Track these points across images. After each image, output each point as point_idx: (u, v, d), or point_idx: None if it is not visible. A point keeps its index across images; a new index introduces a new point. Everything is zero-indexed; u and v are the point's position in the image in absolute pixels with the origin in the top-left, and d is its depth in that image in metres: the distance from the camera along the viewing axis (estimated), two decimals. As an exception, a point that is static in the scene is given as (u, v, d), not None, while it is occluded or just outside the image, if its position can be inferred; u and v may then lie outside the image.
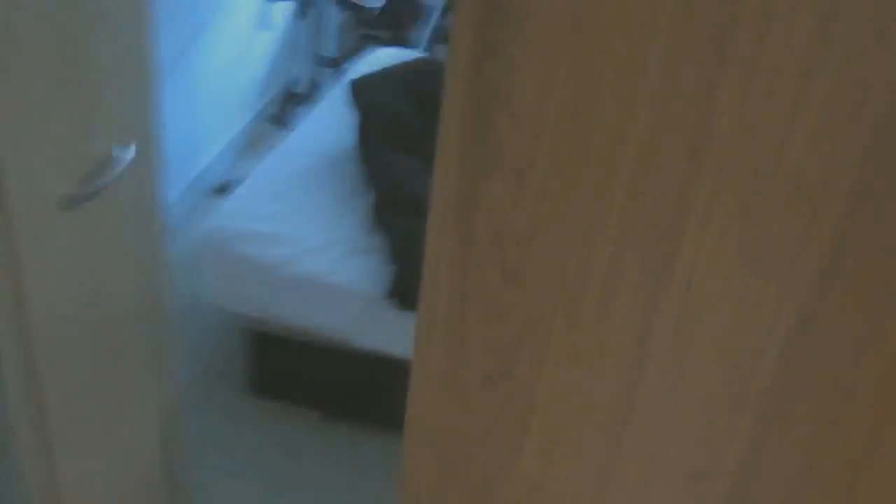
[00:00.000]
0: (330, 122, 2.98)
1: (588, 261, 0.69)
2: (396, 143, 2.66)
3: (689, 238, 0.66)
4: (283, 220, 2.46)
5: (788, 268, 0.65)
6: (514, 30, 0.62)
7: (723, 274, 0.66)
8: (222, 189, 3.47)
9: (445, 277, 0.74)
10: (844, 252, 0.63)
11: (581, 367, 0.74)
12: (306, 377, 2.59)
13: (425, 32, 4.29)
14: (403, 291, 2.26)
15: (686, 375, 0.72)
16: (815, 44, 0.57)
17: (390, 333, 2.32)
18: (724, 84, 0.60)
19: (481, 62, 0.64)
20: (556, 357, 0.74)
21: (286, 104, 4.14)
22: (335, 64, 4.20)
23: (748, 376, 0.70)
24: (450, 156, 0.68)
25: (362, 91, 2.81)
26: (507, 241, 0.70)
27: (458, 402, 0.80)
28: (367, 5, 3.68)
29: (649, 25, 0.59)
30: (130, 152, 1.40)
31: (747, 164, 0.62)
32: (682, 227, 0.65)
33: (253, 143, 3.88)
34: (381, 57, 3.44)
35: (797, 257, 0.64)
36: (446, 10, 4.41)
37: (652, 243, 0.67)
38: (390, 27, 4.38)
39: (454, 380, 0.79)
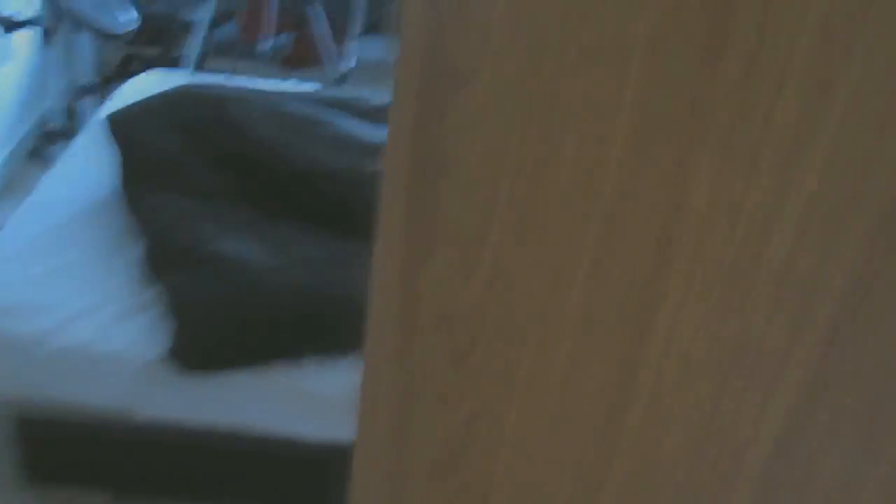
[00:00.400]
0: (89, 162, 2.69)
1: (547, 348, 0.64)
2: (165, 184, 2.42)
3: (659, 330, 0.61)
4: (40, 286, 2.18)
5: (773, 371, 0.59)
6: (461, 91, 0.57)
7: (698, 374, 0.61)
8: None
9: (388, 359, 0.69)
10: (836, 356, 0.57)
11: (539, 462, 0.70)
12: (91, 457, 2.33)
13: (194, 48, 4.02)
14: (186, 351, 2.04)
15: (658, 487, 0.66)
16: (807, 119, 0.51)
17: (178, 400, 2.10)
18: (699, 161, 0.54)
19: (425, 126, 0.59)
20: (511, 450, 0.70)
21: (44, 142, 3.78)
22: (96, 91, 3.87)
23: (732, 479, 0.64)
24: (391, 229, 0.64)
25: (121, 127, 2.56)
26: (455, 322, 0.65)
27: (402, 495, 0.75)
28: (116, 31, 3.38)
29: (616, 91, 0.54)
30: None
31: (726, 253, 0.56)
32: (652, 318, 0.60)
33: (12, 187, 3.52)
34: (145, 82, 3.17)
35: (783, 360, 0.58)
36: (215, 21, 4.16)
37: (618, 331, 0.62)
38: (154, 45, 4.09)
39: (399, 470, 0.74)
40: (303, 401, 2.07)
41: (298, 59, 4.52)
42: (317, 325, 2.05)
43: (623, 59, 0.52)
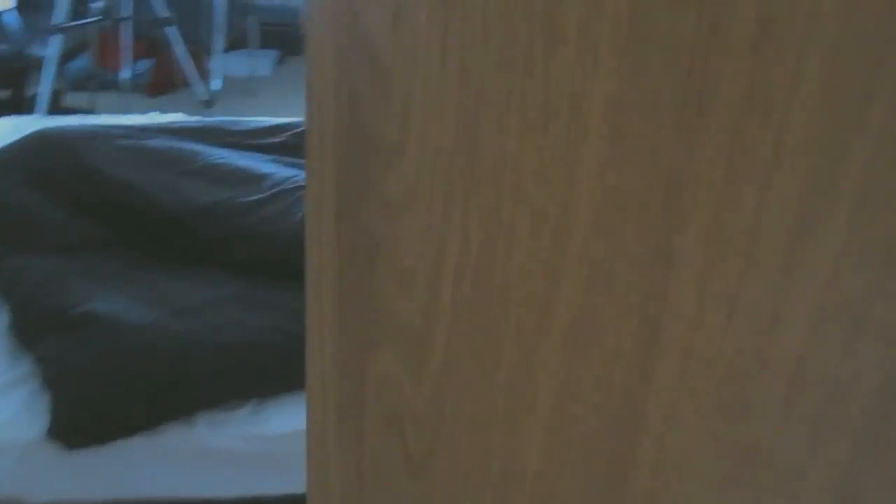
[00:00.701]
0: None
1: (517, 458, 0.53)
2: (24, 243, 2.19)
3: (649, 437, 0.48)
4: None
5: (790, 487, 0.46)
6: (390, 163, 0.49)
7: (699, 490, 0.48)
8: None
9: (336, 465, 0.61)
10: (866, 468, 0.44)
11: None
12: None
13: (46, 86, 3.71)
14: (65, 429, 1.83)
15: None
16: (814, 194, 0.39)
17: (70, 478, 1.90)
18: (681, 245, 0.43)
19: (349, 205, 0.52)
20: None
21: None
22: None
23: None
24: (324, 318, 0.57)
25: (-31, 185, 2.30)
26: (407, 424, 0.57)
27: None
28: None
29: (572, 162, 0.43)
30: None
31: (722, 350, 0.44)
32: (639, 423, 0.48)
33: None
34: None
35: (801, 473, 0.46)
36: (68, 55, 3.86)
37: (599, 437, 0.50)
38: (3, 87, 3.77)
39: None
40: (203, 460, 1.89)
41: (161, 84, 4.26)
42: (204, 378, 1.87)
43: (578, 126, 0.41)
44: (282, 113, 3.36)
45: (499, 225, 0.47)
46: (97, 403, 1.84)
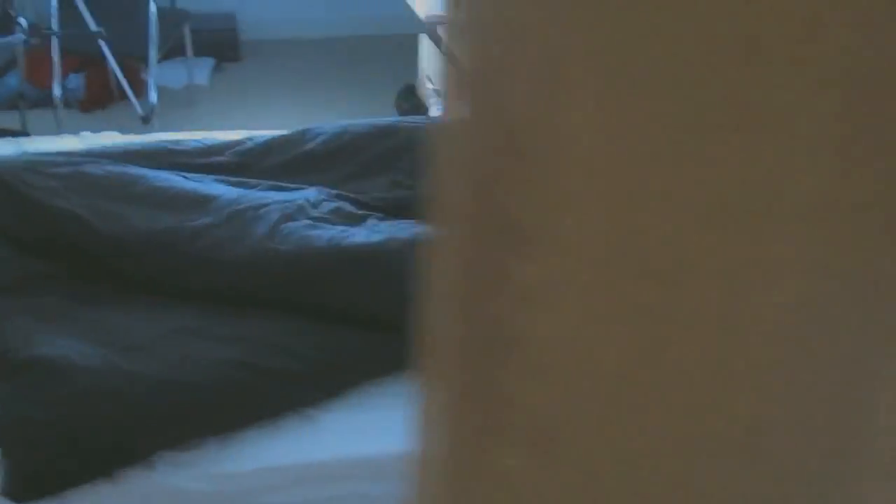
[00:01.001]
0: None
1: None
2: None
3: None
4: None
5: None
6: (530, 251, 0.44)
7: None
8: None
9: None
10: None
11: None
12: None
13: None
14: (18, 480, 1.69)
15: None
16: None
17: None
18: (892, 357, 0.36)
19: (481, 294, 0.47)
20: None
21: None
22: None
23: None
24: (439, 410, 0.53)
25: None
26: None
27: None
28: None
29: (766, 261, 0.36)
30: None
31: None
32: None
33: None
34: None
35: None
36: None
37: None
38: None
39: None
40: (167, 502, 1.76)
41: (95, 99, 4.05)
42: (160, 419, 1.74)
43: (768, 226, 0.35)
44: (221, 123, 3.20)
45: (660, 324, 0.40)
46: (47, 455, 1.70)
